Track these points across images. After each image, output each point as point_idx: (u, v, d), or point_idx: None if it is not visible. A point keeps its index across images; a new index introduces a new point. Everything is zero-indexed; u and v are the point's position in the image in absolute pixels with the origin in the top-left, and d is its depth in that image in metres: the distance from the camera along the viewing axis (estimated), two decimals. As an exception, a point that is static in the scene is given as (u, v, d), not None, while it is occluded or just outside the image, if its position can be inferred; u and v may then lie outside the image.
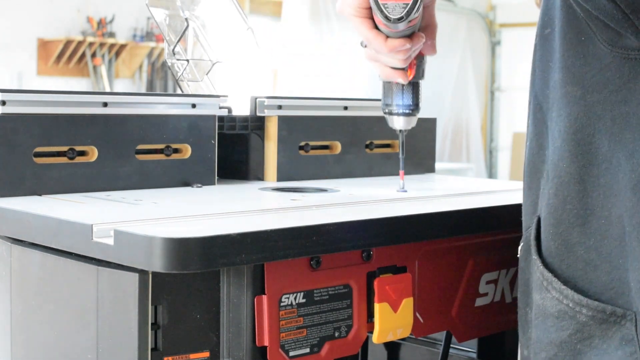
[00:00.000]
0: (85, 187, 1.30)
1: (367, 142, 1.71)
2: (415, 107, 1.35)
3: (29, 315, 1.11)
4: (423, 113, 1.83)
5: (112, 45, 5.81)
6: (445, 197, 1.42)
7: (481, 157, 8.01)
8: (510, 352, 1.51)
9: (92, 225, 0.96)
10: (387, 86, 1.34)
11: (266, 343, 1.03)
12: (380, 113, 1.73)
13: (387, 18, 1.14)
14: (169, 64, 1.59)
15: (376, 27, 1.19)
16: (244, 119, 1.55)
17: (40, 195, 1.24)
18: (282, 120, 1.56)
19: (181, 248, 0.89)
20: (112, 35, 5.82)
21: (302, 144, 1.60)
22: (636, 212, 0.90)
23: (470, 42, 7.98)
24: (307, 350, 1.07)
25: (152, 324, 0.98)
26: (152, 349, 0.98)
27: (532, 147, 1.06)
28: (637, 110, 0.91)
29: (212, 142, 1.44)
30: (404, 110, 1.34)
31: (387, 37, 1.19)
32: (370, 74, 6.96)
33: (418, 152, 1.80)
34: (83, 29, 5.70)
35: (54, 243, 1.03)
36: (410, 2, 1.15)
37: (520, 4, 7.96)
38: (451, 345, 1.55)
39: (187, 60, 1.58)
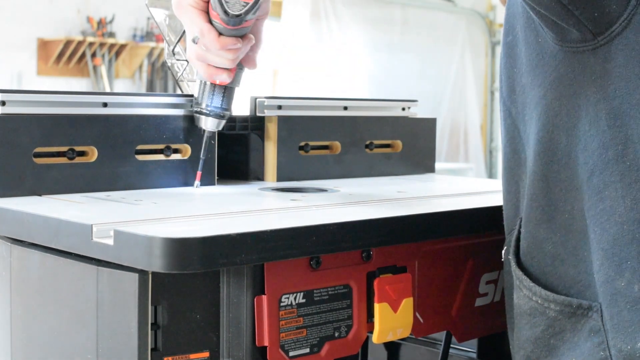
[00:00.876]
0: (85, 187, 1.29)
1: (367, 142, 1.71)
2: (227, 110, 1.39)
3: (29, 316, 1.11)
4: (423, 113, 1.83)
5: (112, 45, 5.81)
6: (445, 197, 1.42)
7: (481, 157, 8.02)
8: (510, 353, 1.51)
9: (91, 225, 0.96)
10: (206, 87, 1.37)
11: (266, 343, 1.03)
12: (380, 113, 1.74)
13: (226, 12, 1.18)
14: (169, 64, 1.58)
15: (211, 22, 1.22)
16: (244, 119, 1.54)
17: (40, 195, 1.24)
18: (282, 120, 1.56)
19: (181, 248, 0.89)
20: (112, 35, 5.82)
21: (302, 144, 1.60)
22: (592, 204, 0.93)
23: (470, 42, 7.98)
24: (307, 350, 1.07)
25: (152, 324, 0.97)
26: (152, 349, 0.98)
27: (507, 153, 1.09)
28: (585, 102, 0.93)
29: (212, 142, 1.44)
30: (217, 112, 1.38)
31: (220, 34, 1.23)
32: (370, 74, 6.96)
33: (418, 152, 1.80)
34: (83, 29, 5.70)
35: (53, 243, 1.03)
36: (252, 2, 1.18)
37: (520, 4, 7.96)
38: (451, 345, 1.55)
39: (187, 61, 1.58)
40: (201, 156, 1.40)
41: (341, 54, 6.74)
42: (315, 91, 6.26)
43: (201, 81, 1.37)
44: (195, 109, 1.38)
